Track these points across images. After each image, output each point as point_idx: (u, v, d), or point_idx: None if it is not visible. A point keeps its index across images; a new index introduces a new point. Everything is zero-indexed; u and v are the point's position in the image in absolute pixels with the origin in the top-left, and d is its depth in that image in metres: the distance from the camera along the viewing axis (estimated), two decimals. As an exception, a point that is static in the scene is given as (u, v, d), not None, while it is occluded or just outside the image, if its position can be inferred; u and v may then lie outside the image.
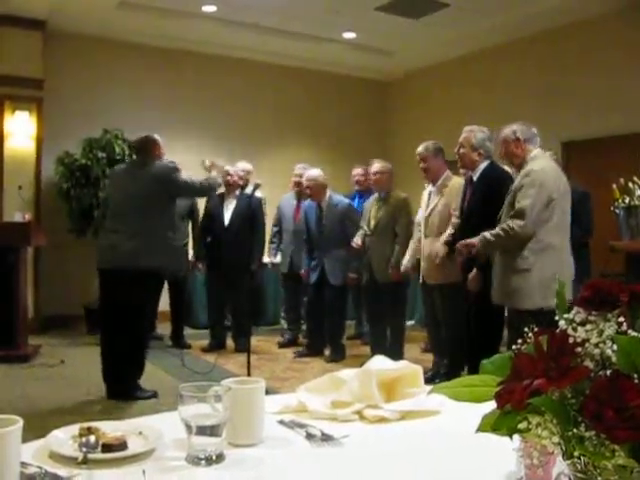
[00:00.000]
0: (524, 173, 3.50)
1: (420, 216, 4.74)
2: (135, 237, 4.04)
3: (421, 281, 4.62)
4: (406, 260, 4.84)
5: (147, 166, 4.22)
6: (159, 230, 4.13)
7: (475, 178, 4.10)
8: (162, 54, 7.65)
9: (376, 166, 5.09)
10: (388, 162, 5.23)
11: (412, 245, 4.82)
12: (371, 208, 5.13)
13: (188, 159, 7.03)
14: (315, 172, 5.44)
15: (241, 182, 5.85)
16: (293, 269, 5.82)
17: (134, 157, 4.67)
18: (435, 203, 4.55)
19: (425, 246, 4.60)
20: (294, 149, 8.33)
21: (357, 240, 5.06)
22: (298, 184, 5.81)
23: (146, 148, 4.33)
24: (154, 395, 4.16)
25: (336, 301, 5.36)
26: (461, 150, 4.06)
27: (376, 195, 5.15)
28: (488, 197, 3.91)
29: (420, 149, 4.61)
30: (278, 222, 6.04)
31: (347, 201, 5.50)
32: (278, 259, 6.10)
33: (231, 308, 5.72)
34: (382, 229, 4.99)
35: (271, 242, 6.11)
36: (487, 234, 3.55)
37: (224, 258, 5.47)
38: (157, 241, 4.10)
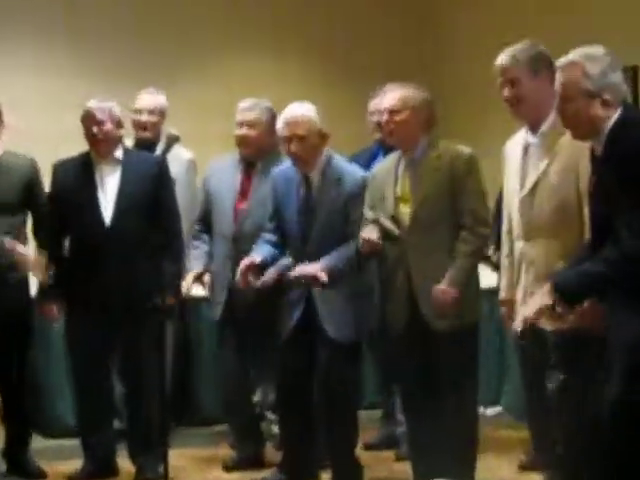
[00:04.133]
0: None
1: (509, 196, 3.27)
2: None
3: (518, 327, 2.99)
4: (503, 288, 3.36)
5: None
6: None
7: (600, 149, 2.77)
8: None
9: (391, 98, 3.54)
10: (419, 88, 3.59)
11: (505, 260, 3.35)
12: (392, 181, 3.56)
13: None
14: (301, 109, 3.71)
15: (148, 133, 4.40)
16: (234, 312, 4.05)
17: None
18: (542, 170, 3.05)
19: (524, 258, 3.12)
20: (258, 66, 6.26)
21: (369, 234, 3.45)
22: (244, 141, 4.12)
23: None
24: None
25: (340, 375, 3.68)
26: (566, 104, 2.72)
27: (397, 155, 3.59)
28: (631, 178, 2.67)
29: (504, 59, 3.15)
30: (205, 216, 4.30)
31: (361, 174, 3.78)
32: (204, 289, 4.39)
33: (126, 391, 4.17)
34: (429, 222, 3.45)
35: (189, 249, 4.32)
36: None
37: (105, 287, 3.88)
38: None
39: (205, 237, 4.29)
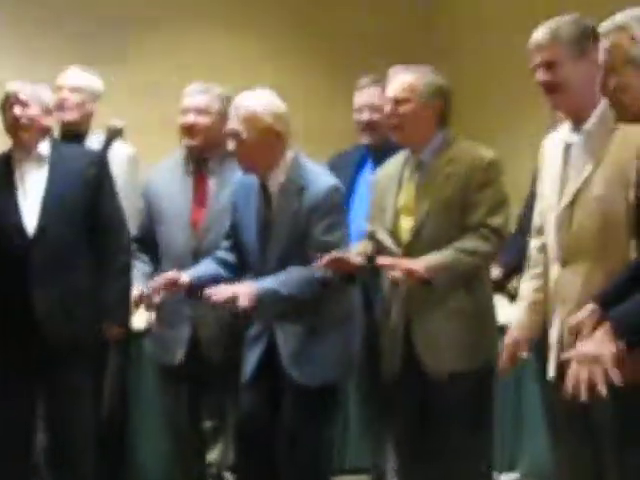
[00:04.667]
0: None
1: (544, 208, 2.65)
2: None
3: (551, 375, 2.50)
4: (518, 321, 2.66)
5: None
6: None
7: None
8: None
9: (397, 84, 2.94)
10: (433, 72, 2.99)
11: (529, 282, 2.67)
12: (395, 188, 2.99)
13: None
14: (247, 100, 3.06)
15: (68, 115, 3.65)
16: (195, 351, 3.32)
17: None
18: (585, 177, 2.45)
19: (561, 288, 2.49)
20: (223, 43, 5.35)
21: (356, 253, 2.91)
22: (190, 130, 3.43)
23: None
24: None
25: (309, 429, 3.02)
26: (609, 76, 2.16)
27: (405, 156, 3.01)
28: None
29: (541, 35, 2.56)
30: (144, 232, 3.56)
31: (327, 182, 3.09)
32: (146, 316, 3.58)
33: (52, 445, 3.39)
34: (433, 240, 2.87)
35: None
36: None
37: (28, 314, 3.23)
38: None
39: (145, 257, 3.53)
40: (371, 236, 2.93)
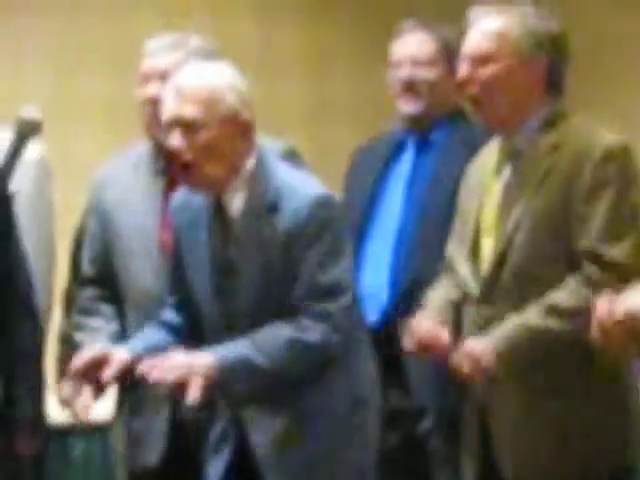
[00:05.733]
0: None
1: None
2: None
3: None
4: None
5: None
6: None
7: None
8: None
9: (479, 33, 2.02)
10: (535, 11, 2.06)
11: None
12: (478, 192, 2.10)
13: None
14: (212, 74, 2.09)
15: None
16: (175, 451, 2.35)
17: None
18: None
19: None
20: None
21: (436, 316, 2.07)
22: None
23: None
24: None
25: None
26: None
27: (497, 144, 2.10)
28: None
29: None
30: (102, 269, 2.44)
31: (312, 192, 2.09)
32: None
33: None
34: (525, 271, 1.93)
35: (67, 336, 2.51)
36: None
37: None
38: None
39: (106, 309, 2.45)
40: (450, 267, 2.07)
